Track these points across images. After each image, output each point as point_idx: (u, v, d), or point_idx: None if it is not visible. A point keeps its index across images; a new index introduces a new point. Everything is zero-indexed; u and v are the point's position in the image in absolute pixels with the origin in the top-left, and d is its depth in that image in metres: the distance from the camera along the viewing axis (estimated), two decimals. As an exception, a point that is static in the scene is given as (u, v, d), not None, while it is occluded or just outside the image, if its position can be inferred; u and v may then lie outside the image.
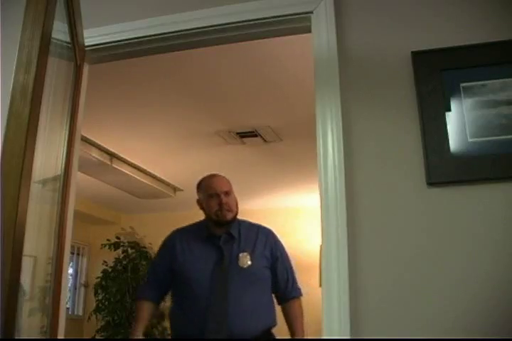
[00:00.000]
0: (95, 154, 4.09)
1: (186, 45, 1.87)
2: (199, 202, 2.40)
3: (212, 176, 2.42)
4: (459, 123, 1.42)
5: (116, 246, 5.45)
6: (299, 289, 2.40)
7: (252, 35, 1.80)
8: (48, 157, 1.50)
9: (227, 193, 2.33)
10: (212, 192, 2.32)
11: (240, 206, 2.33)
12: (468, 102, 1.44)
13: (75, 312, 5.91)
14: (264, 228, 2.42)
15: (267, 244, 2.34)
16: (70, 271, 5.85)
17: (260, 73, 2.95)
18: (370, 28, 1.61)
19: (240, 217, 2.33)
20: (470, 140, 1.41)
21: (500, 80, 1.43)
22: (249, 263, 2.22)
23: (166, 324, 2.21)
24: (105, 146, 4.18)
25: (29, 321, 1.39)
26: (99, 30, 1.85)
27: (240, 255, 2.24)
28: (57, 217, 1.55)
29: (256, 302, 2.18)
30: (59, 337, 1.51)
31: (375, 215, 1.43)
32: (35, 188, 1.24)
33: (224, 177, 2.42)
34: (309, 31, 1.67)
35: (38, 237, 1.44)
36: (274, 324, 2.25)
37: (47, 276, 1.50)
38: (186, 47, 1.91)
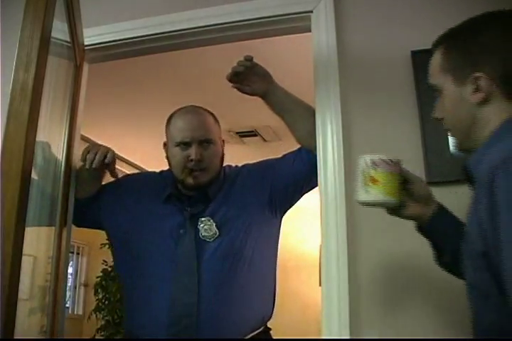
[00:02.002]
0: (95, 153, 4.08)
1: (186, 44, 1.87)
2: (165, 149, 1.66)
3: (187, 112, 1.64)
4: (459, 123, 1.42)
5: (116, 245, 5.44)
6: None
7: (252, 35, 1.80)
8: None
9: (206, 142, 1.57)
10: (180, 140, 1.56)
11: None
12: (468, 102, 1.43)
13: (75, 312, 5.90)
14: (241, 167, 1.70)
15: (252, 182, 1.61)
16: (70, 270, 5.84)
17: (260, 72, 2.94)
18: (369, 28, 1.61)
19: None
20: (470, 139, 1.40)
21: (500, 80, 1.42)
22: (215, 232, 1.51)
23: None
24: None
25: (29, 321, 1.38)
26: (98, 30, 1.85)
27: (200, 222, 1.53)
28: (57, 216, 1.55)
29: (239, 296, 1.50)
30: (59, 337, 1.51)
31: (375, 215, 1.42)
32: (35, 187, 1.24)
33: (206, 112, 1.64)
34: (309, 30, 1.66)
35: (38, 236, 1.44)
36: (266, 321, 1.59)
37: (46, 276, 1.49)
38: (185, 47, 1.90)
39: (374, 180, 1.06)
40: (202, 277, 1.47)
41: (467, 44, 0.95)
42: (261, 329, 1.55)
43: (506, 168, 0.77)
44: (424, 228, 1.12)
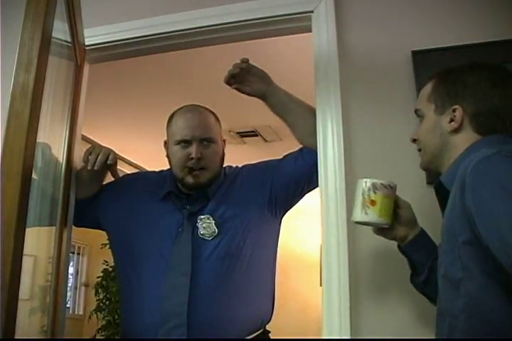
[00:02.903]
0: (96, 154, 4.07)
1: (186, 44, 1.87)
2: (165, 146, 1.66)
3: (187, 110, 1.64)
4: (460, 123, 1.43)
5: (116, 245, 5.43)
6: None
7: (252, 35, 1.80)
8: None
9: (208, 141, 1.57)
10: (180, 138, 1.57)
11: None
12: (468, 102, 1.44)
13: (76, 312, 5.90)
14: (241, 168, 1.70)
15: (252, 182, 1.61)
16: (71, 270, 5.85)
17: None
18: (370, 28, 1.61)
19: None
20: (470, 139, 1.41)
21: (501, 80, 1.43)
22: (214, 230, 1.51)
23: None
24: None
25: (30, 321, 1.39)
26: (99, 30, 1.85)
27: (199, 220, 1.52)
28: (58, 216, 1.55)
29: (237, 297, 1.49)
30: (59, 337, 1.51)
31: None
32: (35, 188, 1.24)
33: (207, 112, 1.64)
34: (310, 31, 1.67)
35: (39, 236, 1.44)
36: (265, 323, 1.57)
37: (47, 276, 1.50)
38: (186, 47, 1.90)
39: (373, 202, 1.15)
40: (199, 276, 1.46)
41: (453, 83, 1.11)
42: (259, 332, 1.54)
43: (489, 163, 0.91)
44: (405, 249, 1.22)
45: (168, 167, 1.68)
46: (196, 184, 1.57)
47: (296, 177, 1.58)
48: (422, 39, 1.53)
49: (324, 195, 1.48)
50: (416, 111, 1.18)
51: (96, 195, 1.68)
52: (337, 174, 1.47)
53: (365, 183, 1.17)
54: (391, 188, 1.17)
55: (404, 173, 1.44)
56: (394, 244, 1.39)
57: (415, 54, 1.51)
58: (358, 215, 1.17)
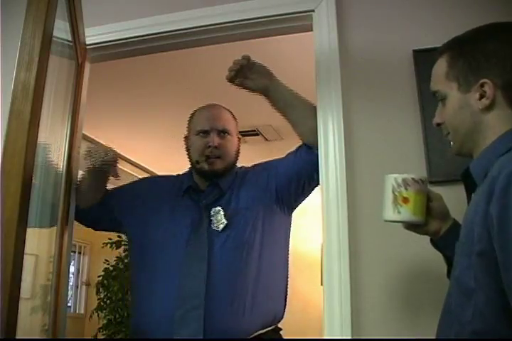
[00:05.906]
0: (97, 153, 4.07)
1: (187, 43, 1.87)
2: (185, 141, 1.77)
3: (208, 106, 1.77)
4: (461, 122, 1.42)
5: (117, 244, 5.43)
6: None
7: (253, 34, 1.80)
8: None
9: (225, 133, 1.69)
10: (200, 129, 1.69)
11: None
12: (470, 101, 1.43)
13: (77, 311, 5.92)
14: (251, 167, 1.77)
15: (259, 180, 1.67)
16: (72, 269, 5.85)
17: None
18: (371, 27, 1.61)
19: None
20: (472, 138, 1.40)
21: (502, 79, 1.42)
22: (223, 222, 1.58)
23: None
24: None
25: (31, 319, 1.39)
26: (100, 29, 1.85)
27: (212, 213, 1.61)
28: (59, 215, 1.55)
29: (250, 288, 1.52)
30: (60, 336, 1.51)
31: (377, 214, 1.42)
32: (36, 187, 1.24)
33: (226, 110, 1.77)
34: (310, 30, 1.66)
35: (40, 235, 1.44)
36: (277, 320, 1.62)
37: (48, 275, 1.50)
38: (187, 46, 1.90)
39: (405, 200, 1.08)
40: (213, 266, 1.51)
41: (472, 52, 0.97)
42: (271, 328, 1.57)
43: None
44: (438, 243, 1.14)
45: (178, 172, 1.78)
46: (211, 171, 1.65)
47: (296, 173, 1.62)
48: (424, 38, 1.53)
49: (325, 193, 1.48)
50: (434, 93, 1.05)
51: (109, 197, 1.74)
52: (338, 172, 1.47)
53: (394, 179, 1.09)
54: (423, 183, 1.09)
55: (405, 173, 1.43)
56: (395, 243, 1.39)
57: (416, 53, 1.51)
58: (391, 214, 1.09)
